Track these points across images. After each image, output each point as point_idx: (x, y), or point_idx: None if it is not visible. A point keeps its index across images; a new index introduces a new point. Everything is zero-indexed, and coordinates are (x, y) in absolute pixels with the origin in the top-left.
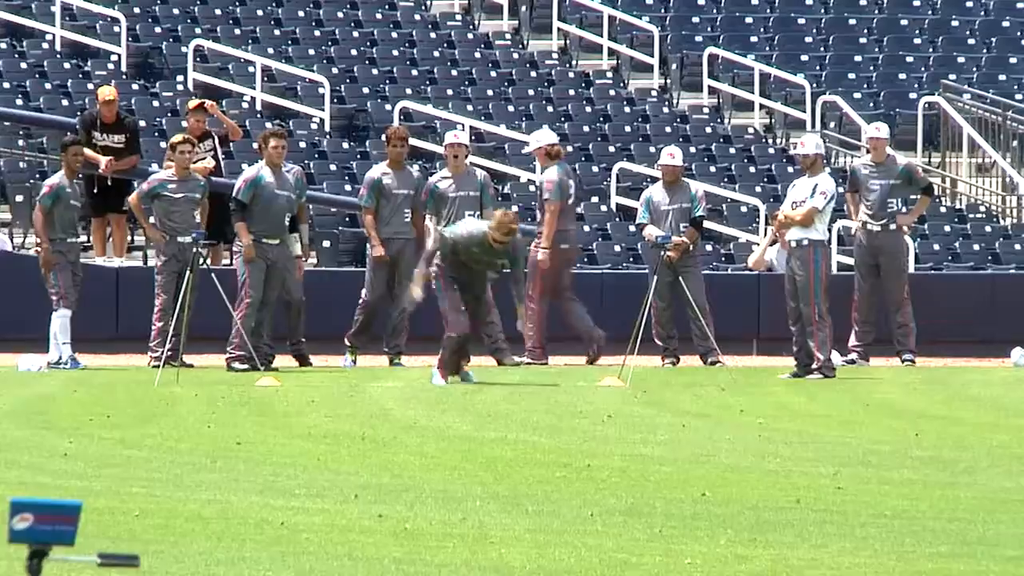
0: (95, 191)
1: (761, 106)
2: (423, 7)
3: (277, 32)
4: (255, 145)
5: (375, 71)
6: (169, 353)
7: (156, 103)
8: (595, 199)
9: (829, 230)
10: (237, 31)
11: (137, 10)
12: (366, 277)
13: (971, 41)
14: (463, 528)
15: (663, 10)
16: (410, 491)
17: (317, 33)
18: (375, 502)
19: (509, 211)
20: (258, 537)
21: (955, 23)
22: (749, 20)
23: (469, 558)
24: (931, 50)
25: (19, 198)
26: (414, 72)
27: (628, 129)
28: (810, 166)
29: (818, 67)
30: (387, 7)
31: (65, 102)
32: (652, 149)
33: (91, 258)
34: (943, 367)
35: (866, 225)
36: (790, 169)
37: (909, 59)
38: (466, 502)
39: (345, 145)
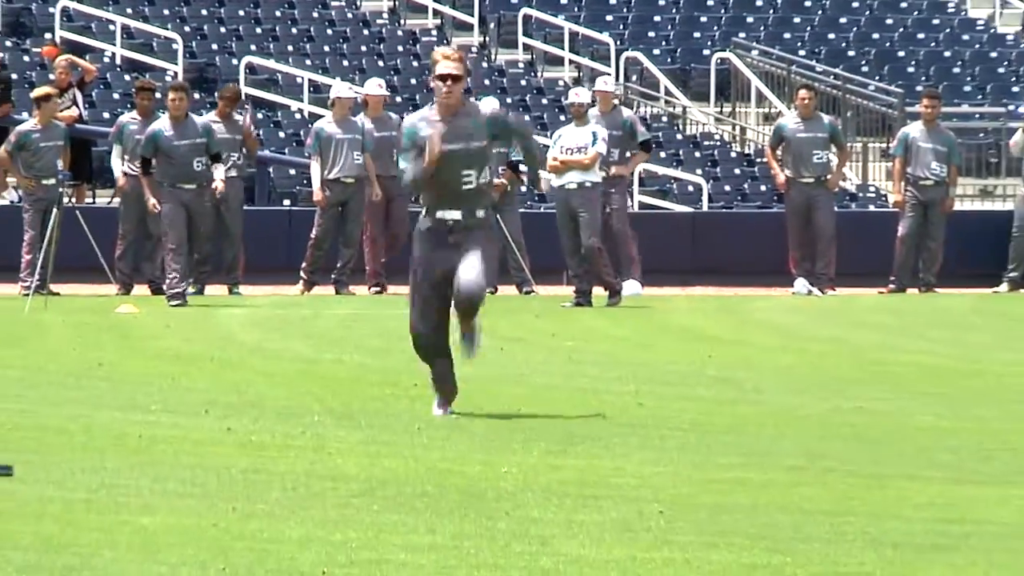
0: None
1: (571, 61)
2: None
3: None
4: (115, 95)
5: (223, 29)
6: (37, 283)
7: (27, 58)
8: None
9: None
10: None
11: None
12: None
13: (759, 3)
14: (303, 440)
15: None
16: (255, 407)
17: None
18: (224, 417)
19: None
20: (118, 448)
21: None
22: None
23: (309, 467)
24: (723, 11)
25: None
26: (259, 30)
27: None
28: (583, 115)
29: (621, 26)
30: None
31: None
32: (473, 99)
33: None
34: (733, 296)
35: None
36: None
37: (703, 19)
38: (305, 417)
39: (197, 96)
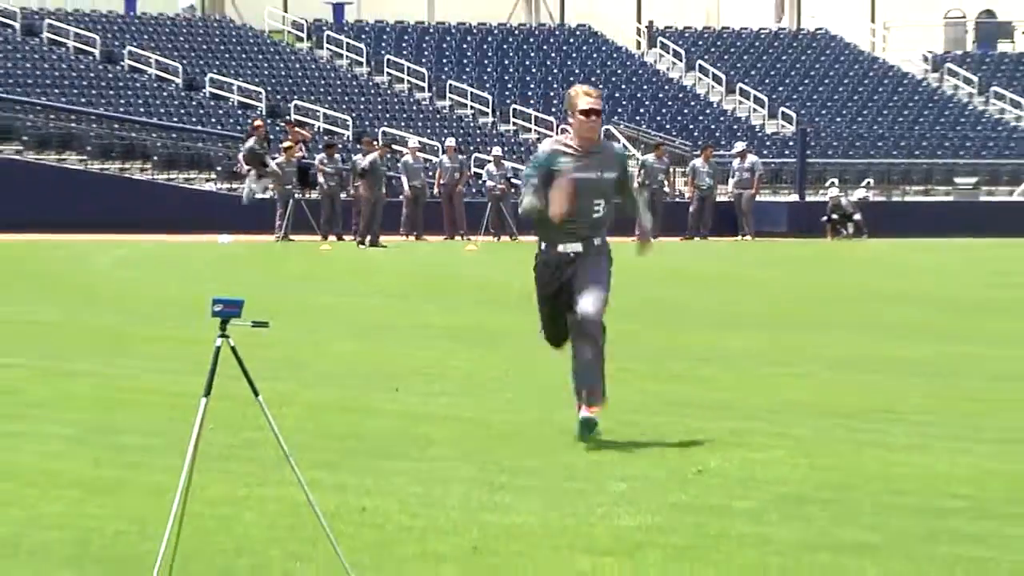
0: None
1: (532, 128)
2: None
3: None
4: (319, 146)
5: (371, 113)
6: (282, 235)
7: (276, 127)
8: None
9: None
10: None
11: (270, 88)
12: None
13: (624, 101)
14: (414, 309)
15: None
16: (390, 294)
17: None
18: (370, 297)
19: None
20: (323, 315)
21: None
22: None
23: (415, 322)
24: (607, 106)
25: (219, 168)
26: (387, 113)
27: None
28: None
29: (559, 113)
30: None
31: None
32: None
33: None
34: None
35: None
36: None
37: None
38: (413, 299)
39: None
